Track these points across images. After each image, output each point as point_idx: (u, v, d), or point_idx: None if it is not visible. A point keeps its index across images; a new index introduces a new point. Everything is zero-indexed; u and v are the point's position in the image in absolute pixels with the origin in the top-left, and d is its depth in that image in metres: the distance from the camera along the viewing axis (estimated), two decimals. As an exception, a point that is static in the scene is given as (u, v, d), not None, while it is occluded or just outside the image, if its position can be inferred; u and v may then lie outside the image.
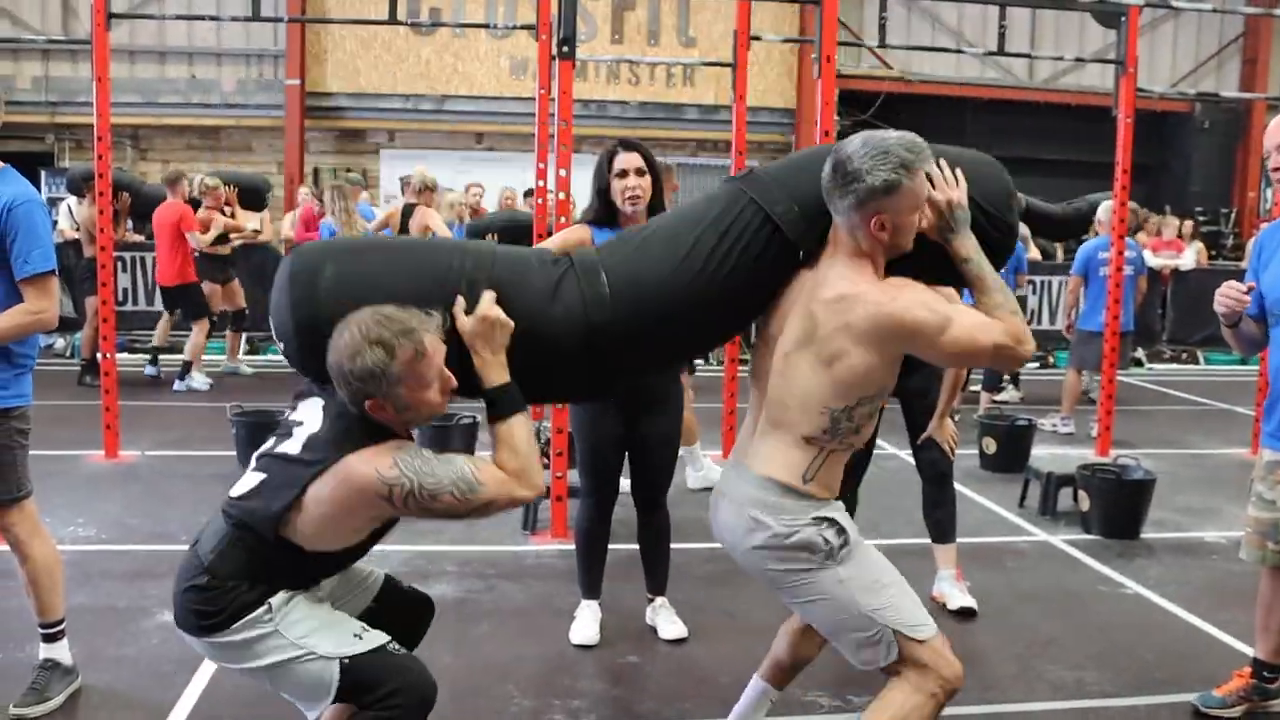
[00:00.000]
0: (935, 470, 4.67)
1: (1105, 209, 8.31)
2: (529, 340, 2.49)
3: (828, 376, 2.53)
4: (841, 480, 2.72)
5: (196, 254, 9.92)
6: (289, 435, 2.56)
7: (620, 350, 2.56)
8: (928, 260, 2.60)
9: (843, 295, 2.51)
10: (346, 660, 2.50)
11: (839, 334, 2.50)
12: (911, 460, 4.81)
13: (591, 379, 2.64)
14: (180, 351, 10.16)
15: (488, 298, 2.45)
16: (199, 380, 9.87)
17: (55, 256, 3.47)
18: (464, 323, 2.45)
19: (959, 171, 2.60)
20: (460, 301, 2.46)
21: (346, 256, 2.55)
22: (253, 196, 10.91)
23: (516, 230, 8.84)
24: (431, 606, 2.97)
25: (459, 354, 2.46)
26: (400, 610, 2.86)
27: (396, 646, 2.60)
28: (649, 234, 2.65)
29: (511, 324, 2.46)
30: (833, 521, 2.60)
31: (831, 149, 2.54)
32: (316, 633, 2.53)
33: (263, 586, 2.52)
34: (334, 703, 2.54)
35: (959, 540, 4.80)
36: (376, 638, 2.58)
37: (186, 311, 10.00)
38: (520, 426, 2.50)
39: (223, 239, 10.19)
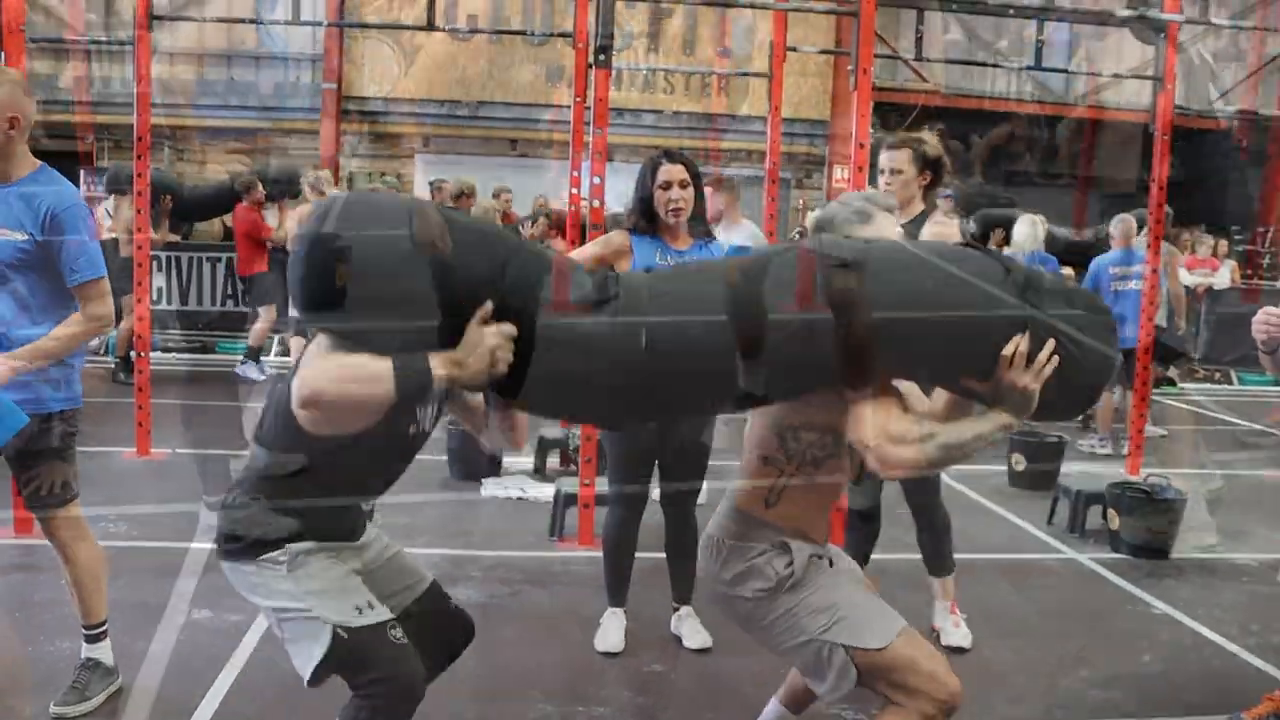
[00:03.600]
0: (914, 500, 4.39)
1: (1115, 221, 8.45)
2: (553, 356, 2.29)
3: None
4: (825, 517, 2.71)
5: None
6: None
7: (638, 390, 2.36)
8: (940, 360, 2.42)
9: None
10: (342, 632, 2.45)
11: None
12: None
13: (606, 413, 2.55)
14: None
15: (505, 329, 2.24)
16: (253, 370, 10.06)
17: (103, 257, 3.47)
18: (474, 331, 2.23)
19: (1054, 360, 2.33)
20: (487, 307, 2.26)
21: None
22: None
23: None
24: (471, 631, 2.87)
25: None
26: (439, 622, 2.78)
27: (398, 634, 2.51)
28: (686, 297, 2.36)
29: (508, 363, 2.25)
30: (784, 549, 2.57)
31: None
32: (322, 594, 2.49)
33: (286, 515, 2.49)
34: (321, 667, 2.46)
35: (987, 556, 4.78)
36: (379, 614, 2.52)
37: (253, 297, 10.64)
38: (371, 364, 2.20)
39: None
